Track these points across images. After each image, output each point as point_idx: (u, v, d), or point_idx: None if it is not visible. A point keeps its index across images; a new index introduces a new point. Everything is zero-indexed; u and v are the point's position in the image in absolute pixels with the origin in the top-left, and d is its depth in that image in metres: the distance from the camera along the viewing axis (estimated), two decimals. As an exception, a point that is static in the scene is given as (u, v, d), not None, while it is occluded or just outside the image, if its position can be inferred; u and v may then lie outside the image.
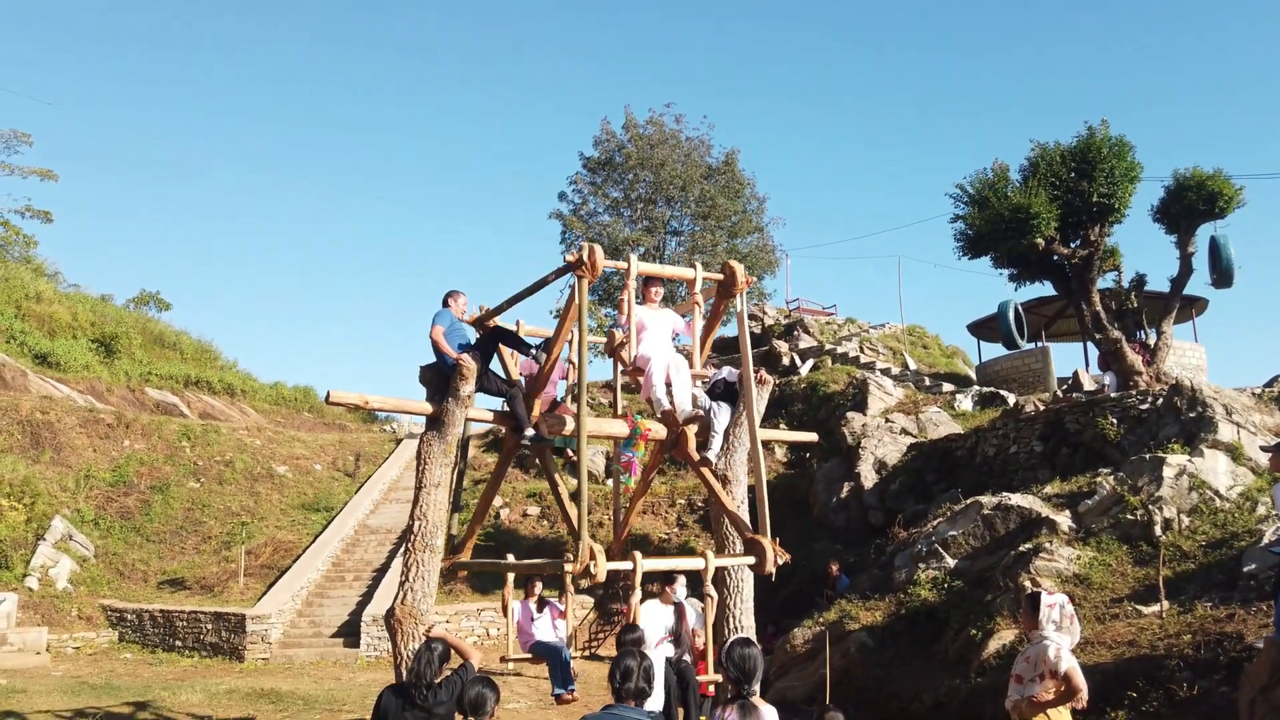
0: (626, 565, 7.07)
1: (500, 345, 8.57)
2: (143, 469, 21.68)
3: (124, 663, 15.43)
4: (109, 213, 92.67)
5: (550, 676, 9.91)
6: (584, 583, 6.99)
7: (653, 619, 7.95)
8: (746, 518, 8.08)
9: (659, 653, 7.73)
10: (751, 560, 7.26)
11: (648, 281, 8.02)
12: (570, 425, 8.23)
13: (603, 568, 6.70)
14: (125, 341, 30.44)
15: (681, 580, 8.96)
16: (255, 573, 18.54)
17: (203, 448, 23.48)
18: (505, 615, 9.81)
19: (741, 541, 7.60)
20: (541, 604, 10.01)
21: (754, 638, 8.67)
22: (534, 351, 8.36)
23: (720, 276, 7.78)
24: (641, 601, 7.35)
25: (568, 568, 6.87)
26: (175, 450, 22.89)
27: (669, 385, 7.59)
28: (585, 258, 7.06)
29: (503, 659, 9.52)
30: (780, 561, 7.17)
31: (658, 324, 7.73)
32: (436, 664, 5.26)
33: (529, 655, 9.65)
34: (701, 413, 7.93)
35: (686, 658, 8.34)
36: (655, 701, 7.31)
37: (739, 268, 7.71)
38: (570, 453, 9.12)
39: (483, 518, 9.51)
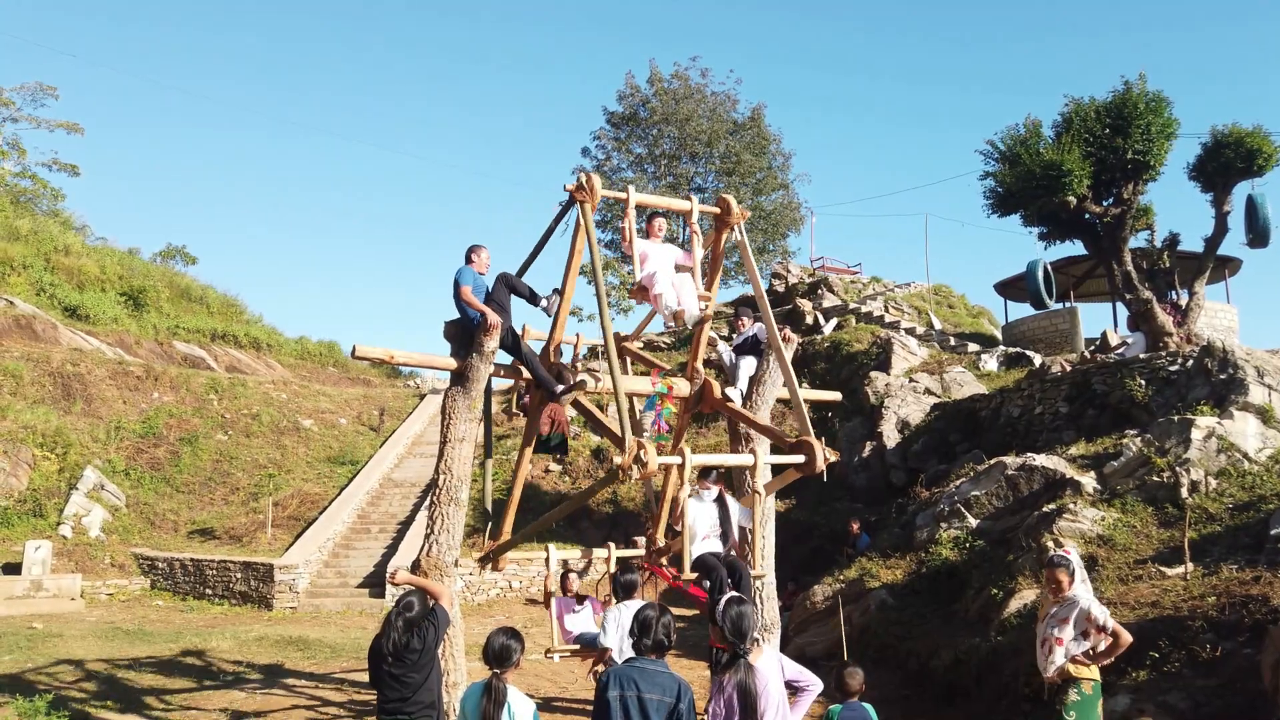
0: (675, 459, 6.99)
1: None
2: (172, 421, 22.00)
3: (156, 609, 15.81)
4: (135, 166, 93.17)
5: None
6: (634, 473, 6.87)
7: (697, 515, 7.77)
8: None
9: (705, 545, 7.57)
10: (801, 459, 7.21)
11: (651, 217, 8.57)
12: (590, 384, 8.24)
13: (653, 459, 6.62)
14: (153, 295, 30.73)
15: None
16: (282, 524, 18.85)
17: (230, 400, 23.77)
18: (547, 608, 9.10)
19: (785, 449, 7.53)
20: (581, 599, 9.50)
21: (774, 593, 8.73)
22: (544, 302, 8.33)
23: (717, 210, 8.20)
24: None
25: (616, 460, 6.81)
26: (203, 403, 23.20)
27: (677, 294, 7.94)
28: (584, 184, 7.56)
29: (547, 652, 9.27)
30: (830, 458, 7.15)
31: (661, 253, 8.16)
32: (401, 631, 5.24)
33: (574, 647, 8.91)
34: (709, 315, 8.26)
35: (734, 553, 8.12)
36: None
37: (732, 199, 8.17)
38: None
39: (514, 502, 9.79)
